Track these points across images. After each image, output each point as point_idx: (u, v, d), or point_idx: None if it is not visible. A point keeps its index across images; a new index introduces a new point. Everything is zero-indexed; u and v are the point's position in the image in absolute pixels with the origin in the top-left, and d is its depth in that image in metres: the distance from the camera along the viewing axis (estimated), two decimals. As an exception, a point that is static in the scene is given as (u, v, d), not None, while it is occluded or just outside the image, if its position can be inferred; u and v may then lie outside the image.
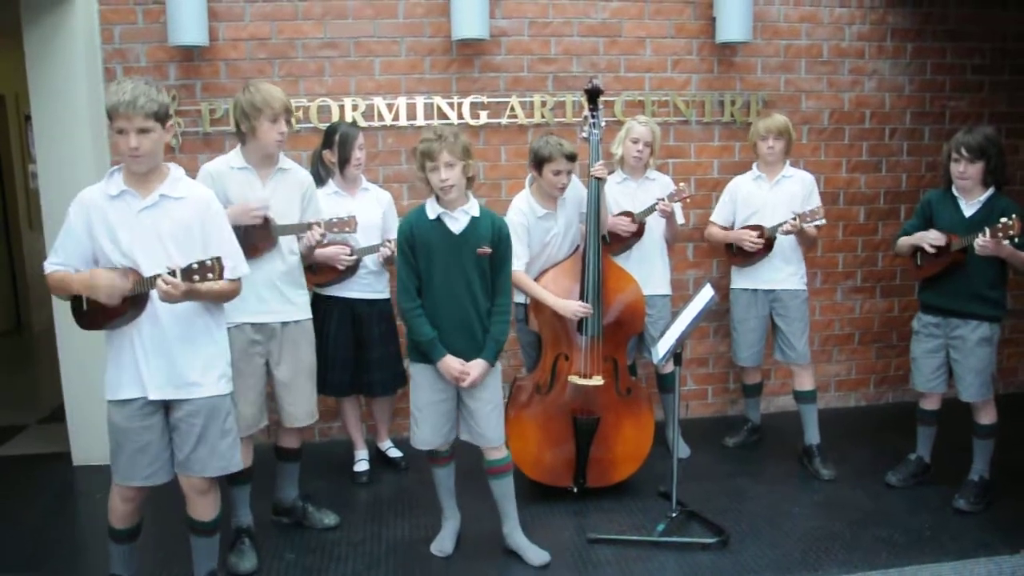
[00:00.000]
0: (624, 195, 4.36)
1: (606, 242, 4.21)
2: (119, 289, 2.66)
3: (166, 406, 2.82)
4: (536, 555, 3.42)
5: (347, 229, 3.65)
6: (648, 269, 4.37)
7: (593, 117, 3.95)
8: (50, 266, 2.80)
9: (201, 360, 2.82)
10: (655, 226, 4.37)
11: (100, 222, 2.72)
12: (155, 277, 2.63)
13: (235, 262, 2.85)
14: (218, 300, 2.85)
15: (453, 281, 3.23)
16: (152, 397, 2.76)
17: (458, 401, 3.38)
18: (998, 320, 3.77)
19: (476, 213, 3.26)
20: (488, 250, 3.25)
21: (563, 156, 3.78)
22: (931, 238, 3.78)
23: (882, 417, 5.20)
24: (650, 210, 4.23)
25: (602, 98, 3.97)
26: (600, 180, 3.89)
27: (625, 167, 4.39)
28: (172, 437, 2.85)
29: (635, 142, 4.27)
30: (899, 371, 5.35)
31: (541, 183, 3.89)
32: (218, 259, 2.63)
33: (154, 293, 2.66)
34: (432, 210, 3.24)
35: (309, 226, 3.50)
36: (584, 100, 4.05)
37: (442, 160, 3.13)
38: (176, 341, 2.77)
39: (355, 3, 4.64)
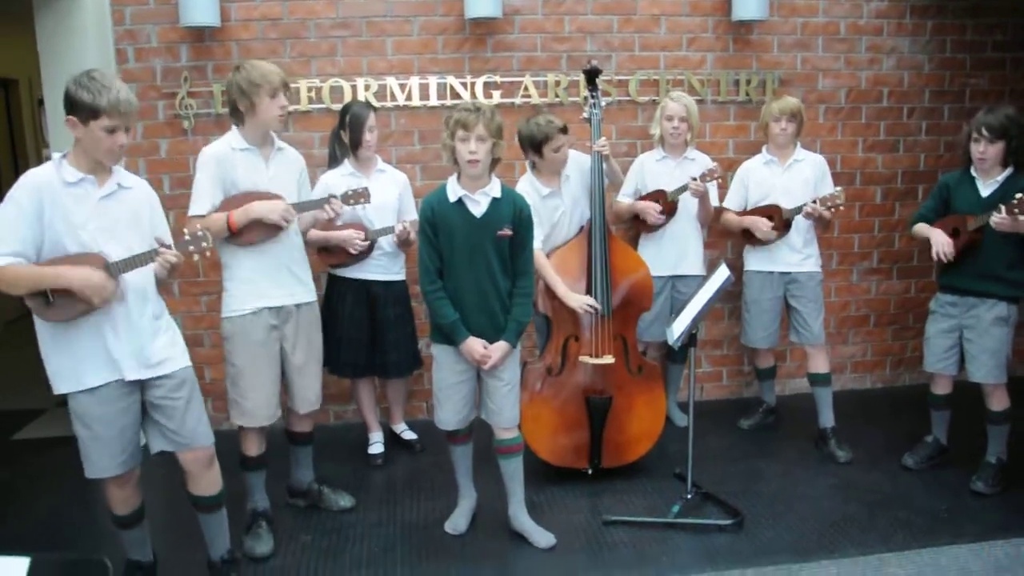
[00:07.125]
0: (662, 173, 4.36)
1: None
2: (109, 289, 2.66)
3: (141, 387, 2.83)
4: (542, 537, 3.41)
5: (362, 200, 3.65)
6: (682, 248, 4.40)
7: (592, 97, 4.01)
8: (1, 258, 2.58)
9: (167, 336, 2.89)
10: (690, 205, 4.36)
11: (55, 207, 2.64)
12: (150, 253, 2.73)
13: None
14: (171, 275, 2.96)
15: (474, 263, 3.21)
16: (130, 378, 2.77)
17: (477, 379, 3.38)
18: (1016, 301, 3.74)
19: (497, 194, 3.23)
20: (509, 232, 3.22)
21: (558, 131, 3.85)
22: (940, 244, 3.72)
23: (899, 399, 5.17)
24: (682, 189, 4.21)
25: (601, 78, 4.07)
26: (604, 157, 3.94)
27: (666, 146, 4.39)
28: (156, 419, 2.86)
29: (669, 119, 4.29)
30: (915, 353, 5.29)
31: (543, 163, 3.93)
32: (206, 231, 2.85)
33: (125, 276, 2.72)
34: (453, 192, 3.21)
35: (326, 200, 3.53)
36: (584, 81, 4.15)
37: (475, 132, 3.10)
38: (144, 320, 2.81)
39: (367, -18, 4.61)
